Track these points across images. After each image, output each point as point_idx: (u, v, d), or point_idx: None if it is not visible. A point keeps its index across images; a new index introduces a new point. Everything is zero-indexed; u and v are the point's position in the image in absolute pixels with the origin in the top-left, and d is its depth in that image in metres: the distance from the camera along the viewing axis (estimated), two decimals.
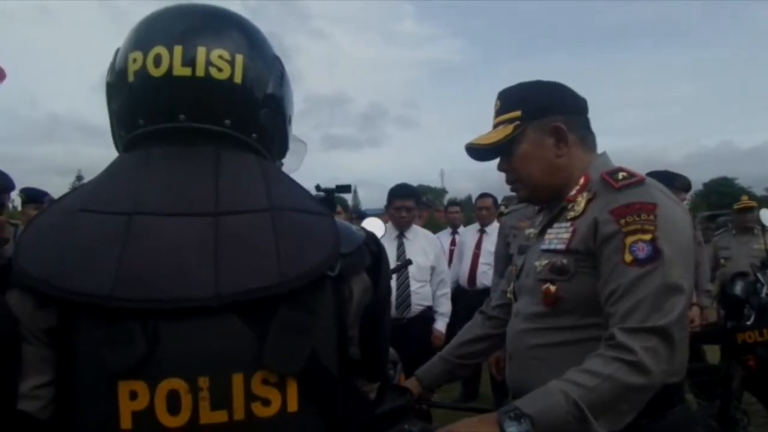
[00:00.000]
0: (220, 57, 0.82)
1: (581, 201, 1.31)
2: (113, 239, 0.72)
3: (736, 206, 4.77)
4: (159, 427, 0.70)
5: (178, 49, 0.80)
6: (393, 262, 3.43)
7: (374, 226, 2.75)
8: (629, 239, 1.17)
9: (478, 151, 1.46)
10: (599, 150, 1.45)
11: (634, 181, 1.25)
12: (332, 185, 3.69)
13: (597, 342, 1.16)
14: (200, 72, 0.81)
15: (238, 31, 0.86)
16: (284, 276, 0.73)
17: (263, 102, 0.87)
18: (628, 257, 1.16)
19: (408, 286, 3.59)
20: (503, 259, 2.92)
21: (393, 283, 3.43)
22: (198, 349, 0.72)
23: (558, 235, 1.32)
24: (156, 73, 0.80)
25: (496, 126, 1.44)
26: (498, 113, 1.45)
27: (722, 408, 3.61)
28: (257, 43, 0.88)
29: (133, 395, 0.70)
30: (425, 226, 4.75)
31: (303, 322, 0.75)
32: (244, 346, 0.73)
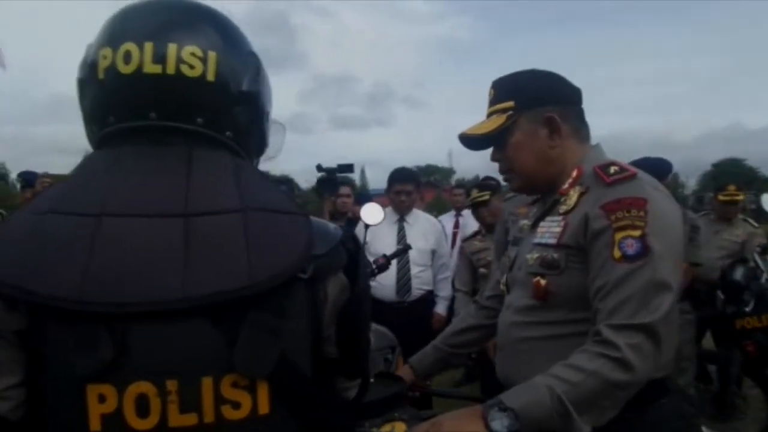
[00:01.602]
0: (192, 54, 0.80)
1: (573, 195, 1.30)
2: (81, 241, 0.72)
3: (722, 196, 4.37)
4: (128, 430, 0.70)
5: (148, 46, 0.79)
6: (393, 246, 3.42)
7: (373, 211, 2.72)
8: (619, 235, 1.16)
9: (471, 141, 1.45)
10: (593, 142, 1.43)
11: (625, 176, 1.23)
12: (334, 165, 3.68)
13: (586, 337, 1.16)
14: (171, 69, 0.79)
15: (211, 27, 0.84)
16: (253, 279, 0.73)
17: (238, 99, 0.85)
18: (617, 253, 1.15)
19: (408, 270, 3.58)
20: (502, 246, 2.90)
21: (393, 267, 3.42)
22: (166, 352, 0.71)
23: (549, 229, 1.32)
24: (126, 70, 0.79)
25: (489, 115, 1.43)
26: (492, 103, 1.43)
27: (720, 393, 3.63)
28: (232, 39, 0.86)
29: (102, 398, 0.70)
30: (432, 205, 4.73)
31: (273, 325, 0.75)
32: (213, 349, 0.73)
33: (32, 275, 0.69)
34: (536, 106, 1.36)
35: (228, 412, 0.73)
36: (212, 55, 0.82)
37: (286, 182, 4.14)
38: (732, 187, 4.35)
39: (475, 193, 3.64)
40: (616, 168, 1.26)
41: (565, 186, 1.33)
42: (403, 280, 3.57)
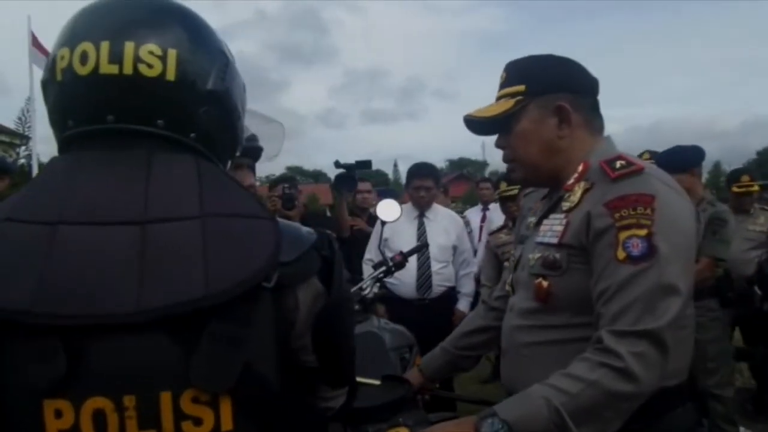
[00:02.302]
0: (151, 52, 0.76)
1: (578, 191, 1.22)
2: (35, 250, 0.69)
3: (736, 188, 4.20)
4: None
5: (104, 45, 0.75)
6: (413, 243, 3.37)
7: (389, 208, 2.68)
8: (623, 234, 1.09)
9: (476, 124, 1.38)
10: (605, 134, 1.35)
11: (631, 170, 1.15)
12: (352, 161, 3.64)
13: (584, 342, 1.09)
14: (128, 69, 0.76)
15: (173, 24, 0.80)
16: (211, 289, 0.69)
17: (203, 99, 0.81)
18: (621, 254, 1.08)
19: (429, 266, 3.52)
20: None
21: (414, 263, 3.37)
22: (122, 366, 0.69)
23: (552, 228, 1.25)
24: (82, 71, 0.76)
25: (498, 99, 1.35)
26: (502, 86, 1.36)
27: (759, 392, 3.48)
28: (196, 36, 0.82)
29: (58, 414, 0.67)
30: (466, 199, 4.67)
31: (235, 336, 0.71)
32: (172, 363, 0.69)
33: None
34: (547, 93, 1.28)
35: (189, 429, 0.70)
36: (172, 53, 0.78)
37: (290, 180, 4.09)
38: (746, 178, 4.24)
39: (503, 186, 3.54)
40: (622, 162, 1.18)
41: (571, 181, 1.26)
42: (424, 276, 3.51)
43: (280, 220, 0.80)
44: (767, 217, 4.20)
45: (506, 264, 3.41)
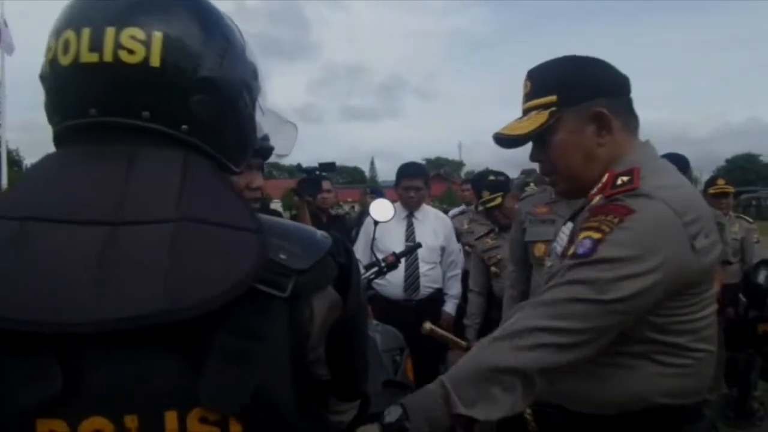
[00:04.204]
0: (133, 37, 0.69)
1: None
2: (6, 248, 0.63)
3: (711, 190, 4.23)
4: None
5: (85, 33, 0.69)
6: (402, 243, 3.34)
7: (382, 208, 2.64)
8: (582, 234, 1.07)
9: (506, 140, 1.29)
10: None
11: (625, 189, 1.10)
12: (314, 164, 3.53)
13: (603, 356, 1.06)
14: (108, 57, 0.68)
15: (162, 5, 0.73)
16: (174, 303, 0.61)
17: (195, 86, 0.73)
18: (571, 251, 1.08)
19: (417, 267, 3.47)
20: (518, 246, 2.77)
21: (402, 265, 3.33)
22: (123, 383, 0.62)
23: (562, 236, 1.23)
24: (64, 61, 0.70)
25: (527, 111, 1.26)
26: (529, 97, 1.26)
27: (740, 398, 3.52)
28: (188, 18, 0.74)
29: None
30: (443, 198, 4.64)
31: (247, 351, 0.64)
32: (178, 380, 0.63)
33: None
34: (583, 101, 1.20)
35: None
36: (158, 36, 0.70)
37: None
38: (721, 181, 4.38)
39: (486, 195, 3.48)
40: (624, 178, 1.12)
41: (594, 191, 1.20)
42: (412, 278, 3.47)
43: (293, 222, 0.74)
44: (742, 225, 4.29)
45: (493, 269, 3.40)
